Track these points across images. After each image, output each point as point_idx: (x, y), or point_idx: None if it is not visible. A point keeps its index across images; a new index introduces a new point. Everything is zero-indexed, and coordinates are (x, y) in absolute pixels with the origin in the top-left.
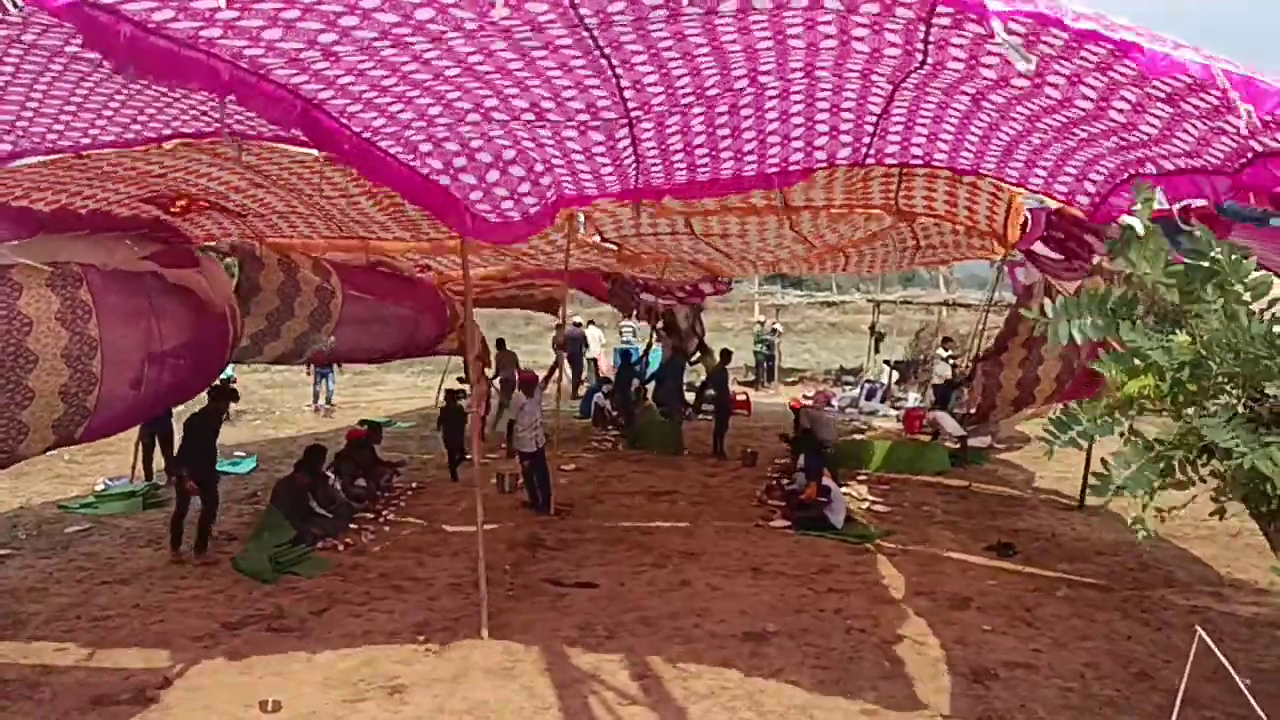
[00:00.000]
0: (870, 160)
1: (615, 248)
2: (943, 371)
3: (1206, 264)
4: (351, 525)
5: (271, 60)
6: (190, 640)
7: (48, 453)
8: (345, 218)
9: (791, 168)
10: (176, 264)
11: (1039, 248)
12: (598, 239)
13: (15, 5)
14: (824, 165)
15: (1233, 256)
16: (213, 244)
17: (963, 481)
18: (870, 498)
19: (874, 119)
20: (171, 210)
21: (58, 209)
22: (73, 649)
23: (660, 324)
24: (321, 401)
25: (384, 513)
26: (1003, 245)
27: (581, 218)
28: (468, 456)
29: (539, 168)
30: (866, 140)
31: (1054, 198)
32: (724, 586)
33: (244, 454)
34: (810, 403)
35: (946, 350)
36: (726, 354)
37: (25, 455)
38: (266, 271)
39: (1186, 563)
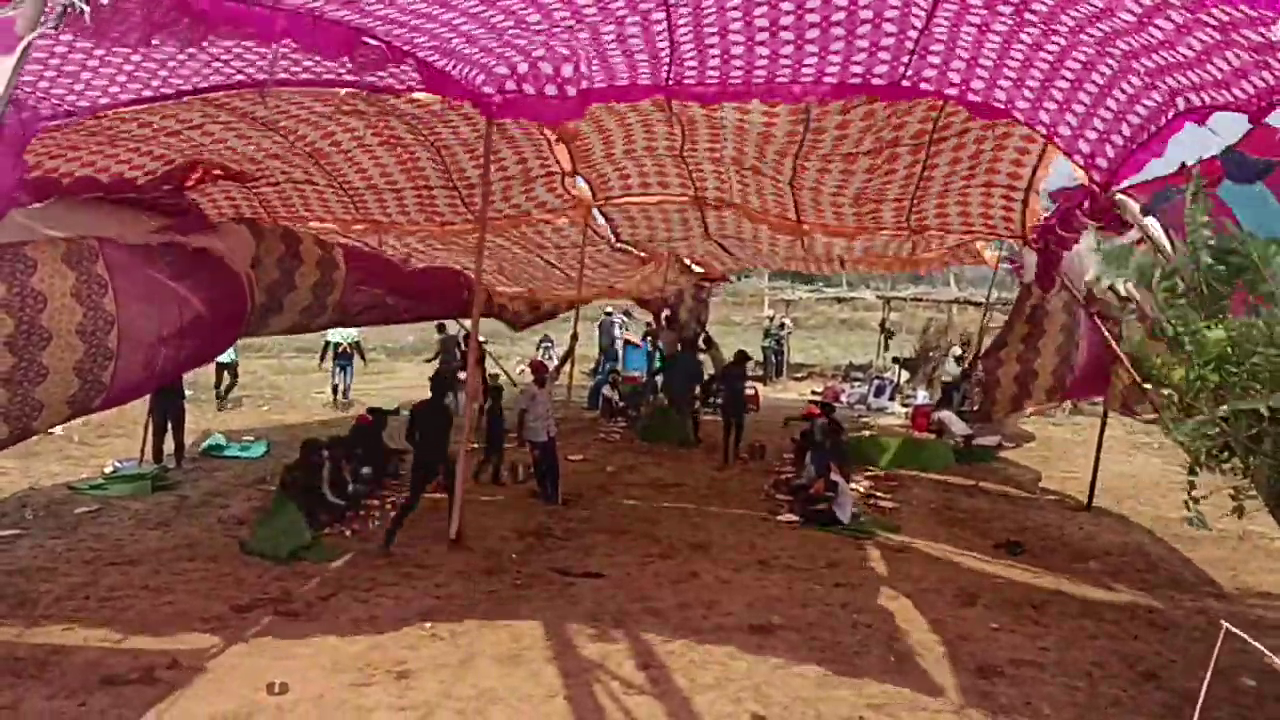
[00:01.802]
0: (906, 82)
1: (630, 248)
2: (952, 370)
3: (1238, 260)
4: (360, 511)
5: None
6: (198, 622)
7: (62, 424)
8: (367, 191)
9: (826, 79)
10: (194, 230)
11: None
12: (612, 238)
13: None
14: (859, 81)
15: (1267, 250)
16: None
17: (970, 480)
18: (878, 494)
19: (915, 34)
20: (185, 185)
21: (78, 178)
22: (81, 629)
23: (666, 314)
24: (340, 395)
25: (392, 499)
26: (1021, 238)
27: (599, 217)
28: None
29: (568, 65)
30: (905, 59)
31: (1074, 159)
32: (731, 579)
33: (252, 438)
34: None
35: (960, 349)
36: (742, 355)
37: (39, 430)
38: (266, 242)
39: (1194, 564)
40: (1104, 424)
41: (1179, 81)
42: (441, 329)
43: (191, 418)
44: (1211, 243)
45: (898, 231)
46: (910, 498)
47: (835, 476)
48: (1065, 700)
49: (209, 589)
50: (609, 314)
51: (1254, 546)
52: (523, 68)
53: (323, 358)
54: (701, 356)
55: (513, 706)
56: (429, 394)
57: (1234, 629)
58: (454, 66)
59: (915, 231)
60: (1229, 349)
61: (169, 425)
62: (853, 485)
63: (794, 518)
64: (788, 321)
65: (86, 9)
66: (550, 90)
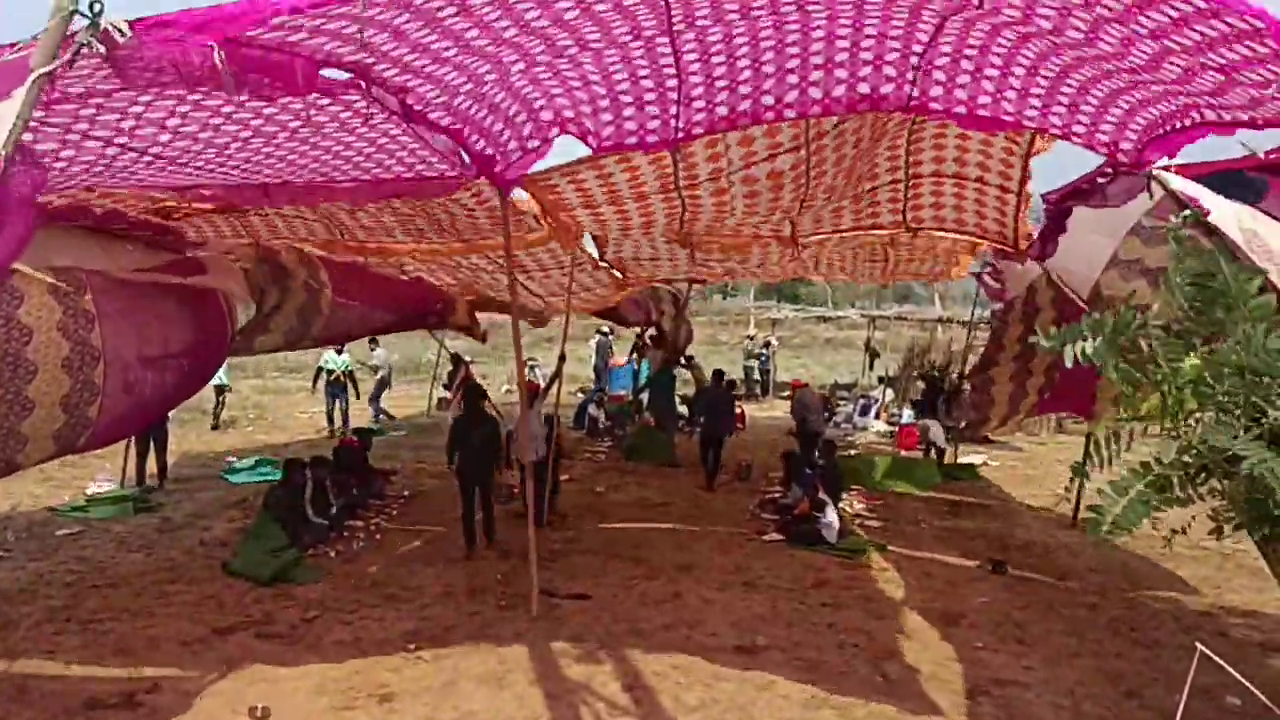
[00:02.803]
0: (914, 102)
1: (614, 270)
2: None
3: (1214, 285)
4: (343, 533)
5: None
6: (180, 645)
7: (48, 462)
8: (353, 222)
9: (833, 97)
10: (183, 271)
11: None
12: (595, 256)
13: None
14: (866, 100)
15: (1240, 278)
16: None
17: (955, 497)
18: (863, 513)
19: (921, 50)
20: (174, 217)
21: (66, 205)
22: (62, 653)
23: (650, 333)
24: (337, 424)
25: (375, 520)
26: (1014, 248)
27: (592, 245)
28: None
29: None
30: (911, 75)
31: (1096, 148)
32: (716, 599)
33: (234, 458)
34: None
35: (937, 373)
36: (719, 375)
37: (25, 465)
38: (255, 269)
39: (1177, 583)
40: (1089, 440)
41: (1200, 90)
42: (456, 359)
43: (175, 439)
44: (1192, 271)
45: (895, 229)
46: (896, 516)
47: (823, 496)
48: (1050, 719)
49: (191, 612)
50: (606, 334)
51: (1237, 565)
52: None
53: (315, 384)
54: (684, 374)
55: None
56: (465, 408)
57: (1207, 651)
58: (475, 139)
59: (912, 230)
60: (1204, 375)
61: (151, 447)
62: (841, 505)
63: (779, 537)
64: (773, 340)
65: (103, 48)
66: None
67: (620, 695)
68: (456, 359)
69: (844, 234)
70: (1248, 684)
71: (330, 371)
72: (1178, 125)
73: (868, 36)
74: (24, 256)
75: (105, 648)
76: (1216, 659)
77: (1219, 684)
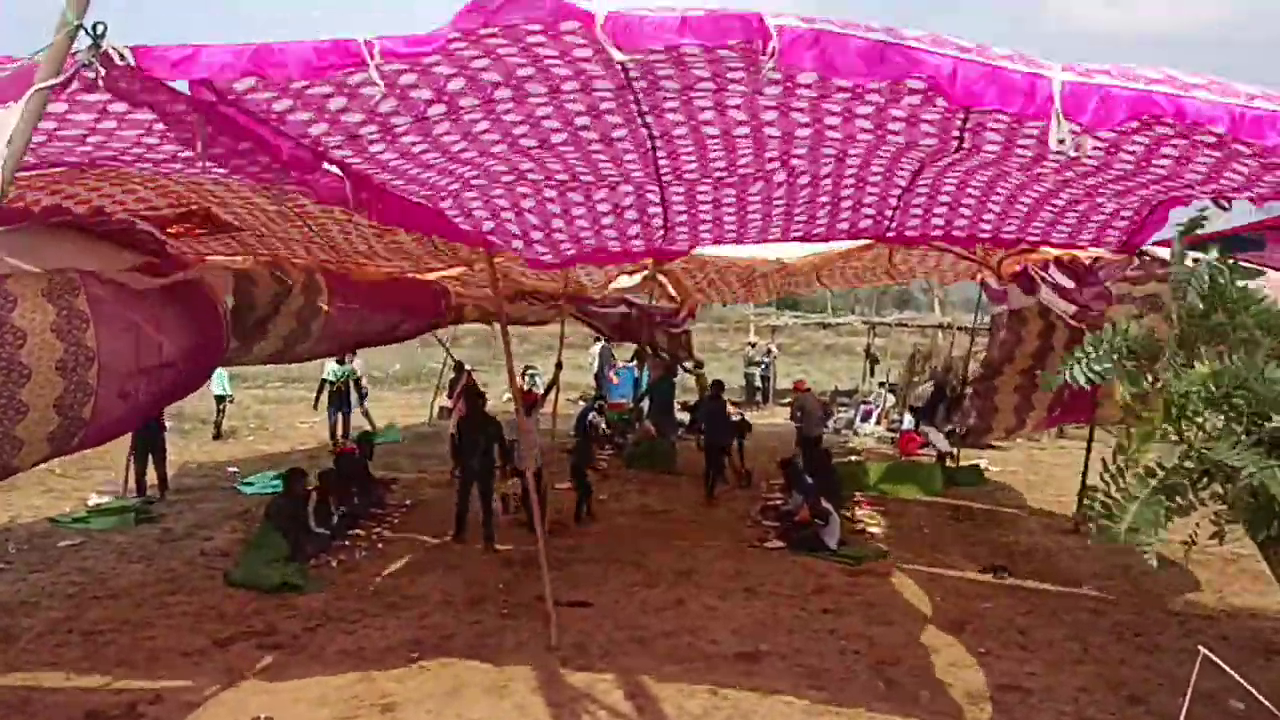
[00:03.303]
0: (890, 234)
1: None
2: (924, 393)
3: (1218, 294)
4: (344, 542)
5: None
6: (181, 657)
7: (42, 464)
8: (349, 248)
9: (815, 232)
10: (174, 267)
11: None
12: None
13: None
14: (844, 234)
15: (1241, 287)
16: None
17: (957, 503)
18: (865, 519)
19: (898, 193)
20: (167, 231)
21: (50, 206)
22: (64, 665)
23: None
24: (339, 436)
25: (376, 529)
26: (996, 273)
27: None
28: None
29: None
30: (889, 214)
31: (1080, 248)
32: (718, 606)
33: (235, 469)
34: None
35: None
36: (718, 385)
37: (20, 468)
38: (259, 289)
39: (1180, 587)
40: (1090, 445)
41: (1188, 192)
42: (459, 367)
43: (176, 450)
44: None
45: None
46: (897, 522)
47: (824, 504)
48: None
49: (193, 622)
50: (607, 341)
51: (1240, 569)
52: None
53: (318, 398)
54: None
55: None
56: (467, 408)
57: (1210, 655)
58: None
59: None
60: (1208, 382)
61: (149, 458)
62: (843, 511)
63: (780, 544)
64: (773, 348)
65: (103, 71)
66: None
67: (622, 703)
68: (459, 367)
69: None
70: (1251, 688)
71: (332, 384)
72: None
73: (847, 187)
74: (18, 258)
75: (107, 659)
76: (1219, 663)
77: (1222, 688)
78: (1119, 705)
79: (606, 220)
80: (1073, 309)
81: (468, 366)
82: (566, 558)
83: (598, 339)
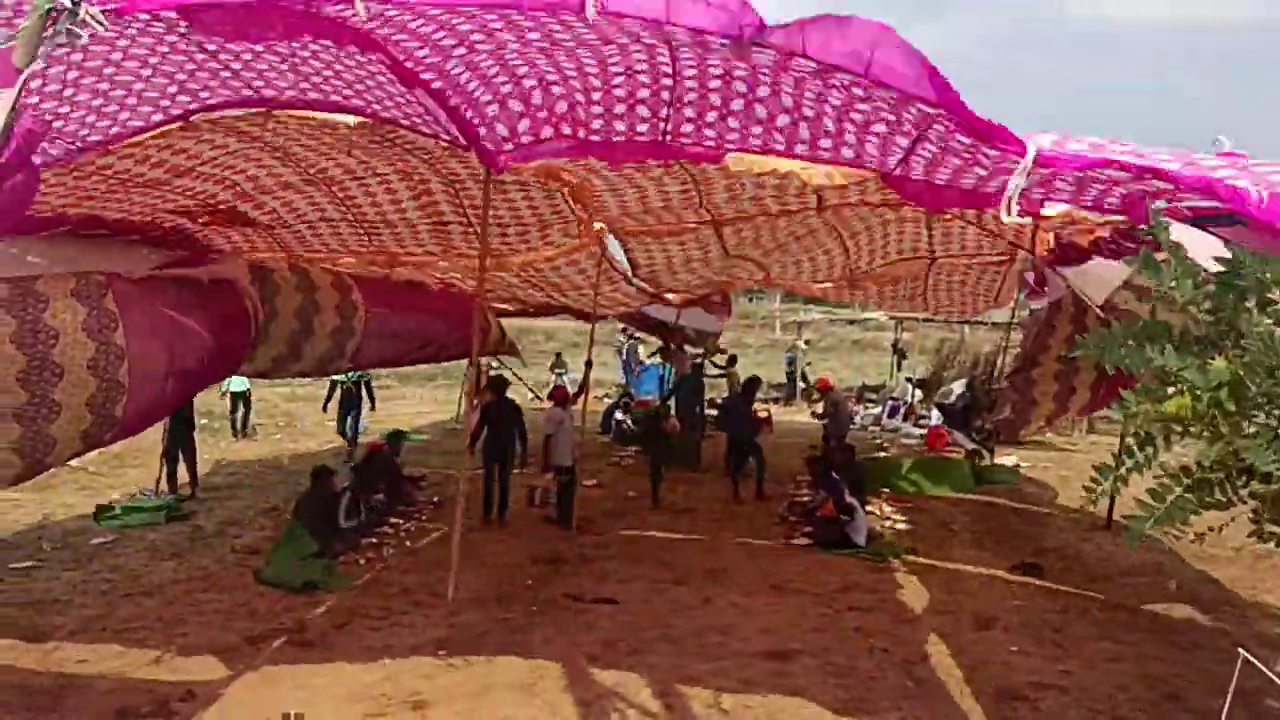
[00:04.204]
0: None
1: (645, 286)
2: (956, 391)
3: (1243, 282)
4: (373, 539)
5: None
6: (213, 654)
7: (75, 459)
8: (381, 224)
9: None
10: (197, 261)
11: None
12: (628, 270)
13: None
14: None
15: (1268, 270)
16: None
17: (987, 499)
18: (893, 515)
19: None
20: (199, 221)
21: (84, 216)
22: (97, 661)
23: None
24: (349, 437)
25: (405, 526)
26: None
27: (616, 253)
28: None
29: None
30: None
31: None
32: (746, 604)
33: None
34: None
35: (971, 375)
36: (753, 381)
37: (53, 465)
38: (283, 296)
39: (1213, 584)
40: (1123, 440)
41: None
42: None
43: (205, 448)
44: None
45: (917, 258)
46: (926, 519)
47: (850, 499)
48: None
49: (223, 620)
50: (634, 338)
51: (1272, 565)
52: (523, 125)
53: (328, 401)
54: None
55: None
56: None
57: (1249, 656)
58: (466, 109)
59: (933, 259)
60: (1239, 372)
61: (180, 456)
62: (870, 508)
63: (808, 541)
64: (801, 344)
65: (84, 35)
66: (547, 133)
67: (651, 702)
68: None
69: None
70: None
71: (342, 384)
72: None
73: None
74: (46, 262)
75: (139, 656)
76: (1258, 663)
77: (1257, 687)
78: (1155, 703)
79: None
80: (1101, 299)
81: (486, 363)
82: (593, 554)
83: (624, 329)
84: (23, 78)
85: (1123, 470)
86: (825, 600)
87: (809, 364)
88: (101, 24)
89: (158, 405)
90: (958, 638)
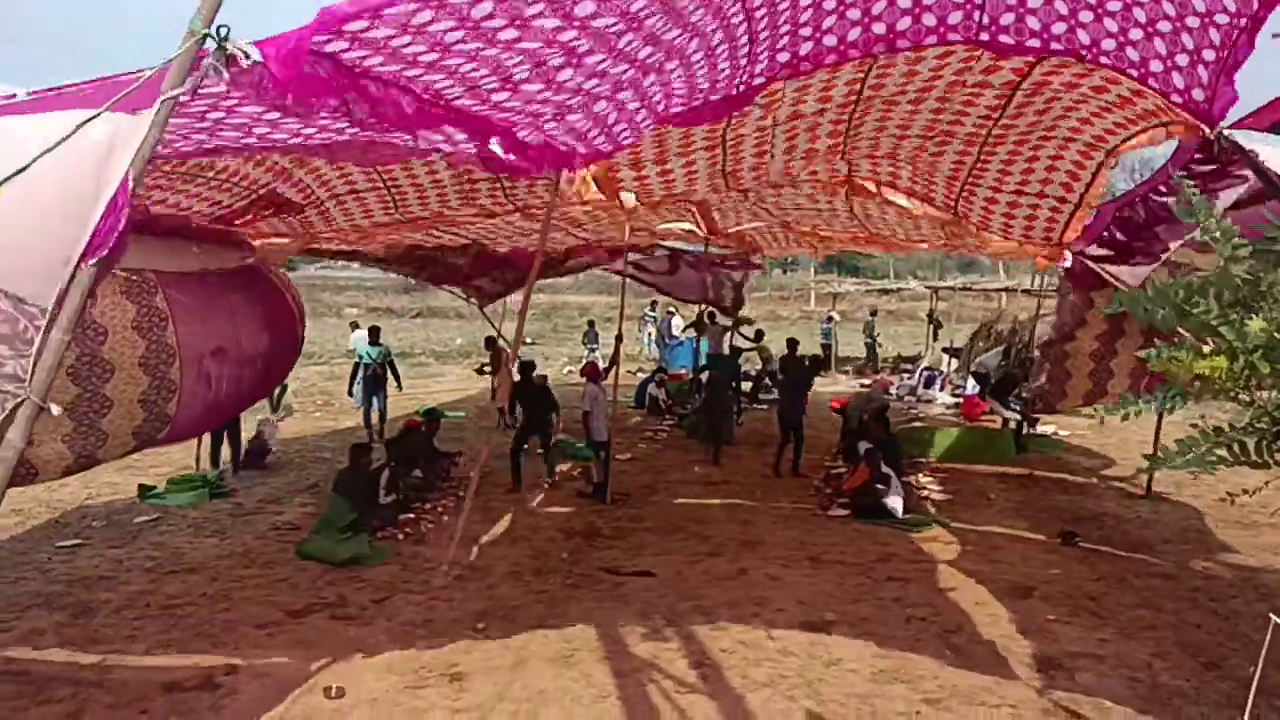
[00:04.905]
0: (985, 35)
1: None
2: (989, 363)
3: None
4: (410, 515)
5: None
6: (255, 628)
7: (129, 455)
8: (409, 185)
9: (898, 30)
10: (248, 253)
11: (1094, 251)
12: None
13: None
14: (933, 33)
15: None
16: None
17: (1025, 469)
18: (930, 485)
19: None
20: (236, 223)
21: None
22: (142, 637)
23: (709, 311)
24: (374, 423)
25: (442, 502)
26: (1053, 253)
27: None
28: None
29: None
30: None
31: (1171, 98)
32: (782, 575)
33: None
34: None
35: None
36: (816, 361)
37: (104, 460)
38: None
39: (1255, 551)
40: (1161, 419)
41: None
42: (491, 343)
43: (246, 427)
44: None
45: (945, 212)
46: (964, 488)
47: (887, 469)
48: (1127, 693)
49: (265, 595)
50: (670, 312)
51: None
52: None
53: (352, 384)
54: (749, 350)
55: (565, 708)
56: (521, 377)
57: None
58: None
59: (957, 220)
60: (1275, 334)
61: (224, 434)
62: (906, 477)
63: (844, 512)
64: (835, 315)
65: (226, 73)
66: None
67: (688, 672)
68: (491, 342)
69: (896, 190)
70: None
71: (367, 365)
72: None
73: None
74: None
75: (183, 632)
76: None
77: None
78: (1194, 671)
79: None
80: (1140, 277)
81: (527, 340)
82: (628, 528)
83: (654, 305)
84: (163, 98)
85: (1149, 406)
86: (863, 571)
87: (877, 334)
88: (249, 57)
89: (212, 405)
90: (996, 607)
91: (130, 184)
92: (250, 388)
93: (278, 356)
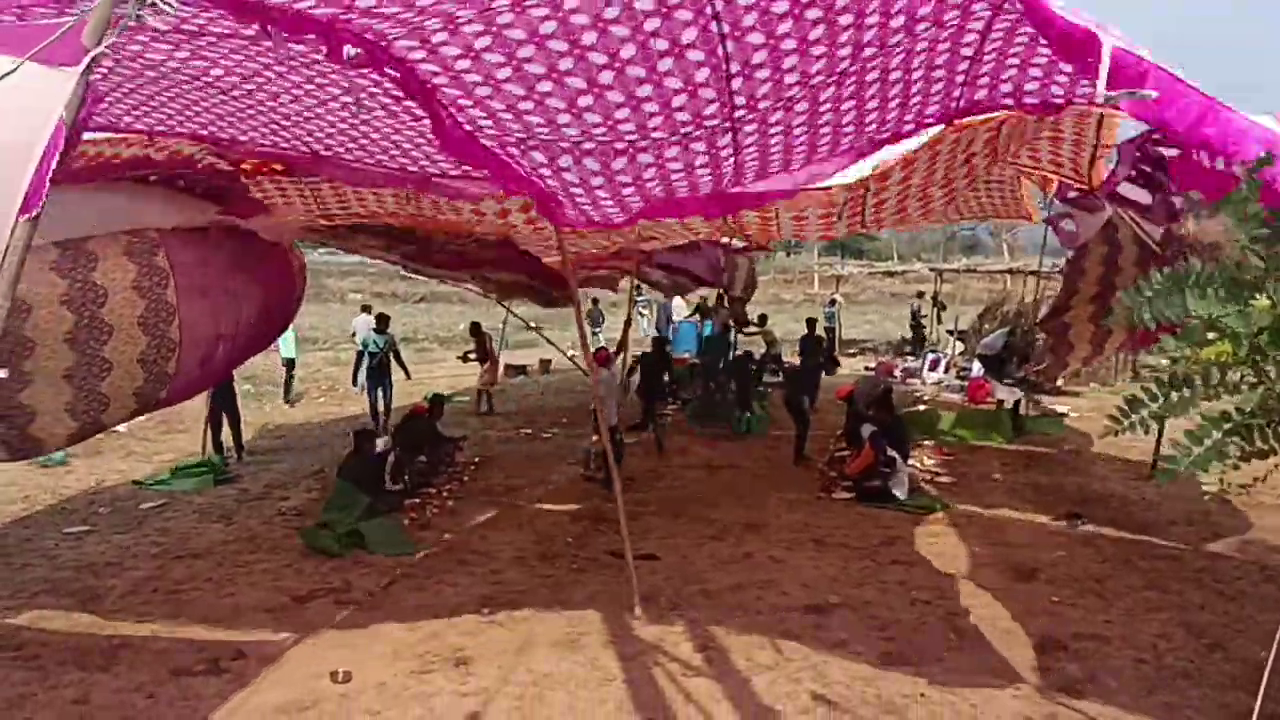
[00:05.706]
0: (960, 106)
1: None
2: (995, 344)
3: None
4: (415, 500)
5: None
6: (262, 613)
7: (132, 419)
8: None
9: (884, 132)
10: (248, 213)
11: (1126, 189)
12: None
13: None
14: (910, 126)
15: None
16: None
17: (1030, 449)
18: (934, 468)
19: (965, 66)
20: (242, 167)
21: (129, 158)
22: (148, 622)
23: (720, 293)
24: (381, 410)
25: (448, 487)
26: (1089, 186)
27: None
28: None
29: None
30: (957, 93)
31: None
32: (786, 559)
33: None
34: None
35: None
36: (811, 323)
37: (109, 424)
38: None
39: (1261, 532)
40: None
41: None
42: (476, 329)
43: (250, 413)
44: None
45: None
46: (968, 470)
47: (892, 452)
48: (1131, 674)
49: (270, 580)
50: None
51: None
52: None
53: (356, 373)
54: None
55: (571, 691)
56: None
57: None
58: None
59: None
60: (1278, 318)
61: (224, 419)
62: (910, 460)
63: (848, 495)
64: (838, 297)
65: (151, 19)
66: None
67: (693, 656)
68: (475, 327)
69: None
70: None
71: (372, 354)
72: None
73: (918, 67)
74: (97, 219)
75: (190, 616)
76: None
77: None
78: (1199, 652)
79: (675, 167)
80: (1158, 233)
81: (531, 323)
82: (634, 511)
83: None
84: (89, 57)
85: (1155, 406)
86: (867, 554)
87: (925, 316)
88: (171, 6)
89: (210, 365)
90: (1000, 589)
91: (61, 143)
92: (245, 343)
93: (273, 312)
